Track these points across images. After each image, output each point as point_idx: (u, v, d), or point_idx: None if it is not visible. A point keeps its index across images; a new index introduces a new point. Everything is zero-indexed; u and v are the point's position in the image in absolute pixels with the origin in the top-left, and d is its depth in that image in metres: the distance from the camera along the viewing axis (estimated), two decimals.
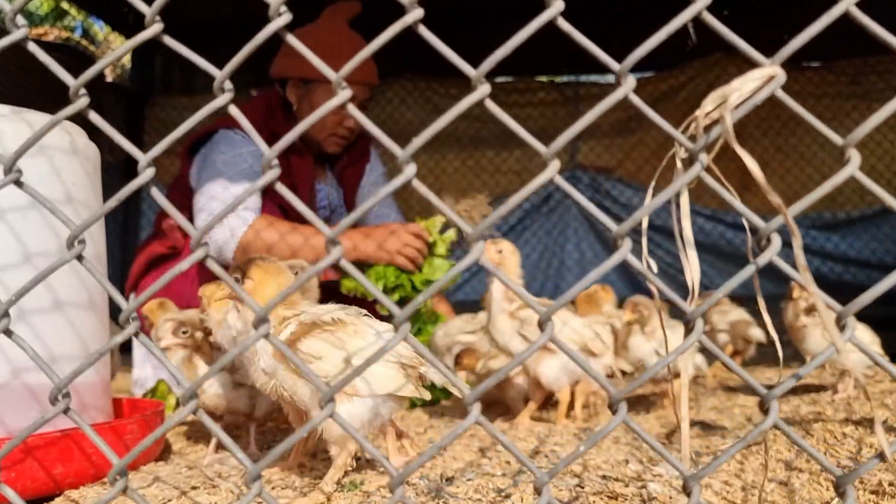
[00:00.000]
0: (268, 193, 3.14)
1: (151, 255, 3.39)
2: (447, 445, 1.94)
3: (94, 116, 0.95)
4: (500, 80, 6.28)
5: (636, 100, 0.70)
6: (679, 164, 0.68)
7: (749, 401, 2.76)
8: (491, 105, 0.75)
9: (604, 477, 1.51)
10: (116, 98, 5.81)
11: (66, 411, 0.97)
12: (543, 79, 6.41)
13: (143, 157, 0.79)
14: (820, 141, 5.82)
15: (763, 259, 0.62)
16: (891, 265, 5.53)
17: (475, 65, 0.80)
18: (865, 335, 2.47)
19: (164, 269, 3.37)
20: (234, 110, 0.77)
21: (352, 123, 3.32)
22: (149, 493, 1.48)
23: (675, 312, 3.44)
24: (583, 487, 1.42)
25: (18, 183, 1.05)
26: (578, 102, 6.21)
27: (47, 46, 5.97)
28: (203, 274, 3.19)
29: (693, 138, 0.65)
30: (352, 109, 0.74)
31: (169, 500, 1.43)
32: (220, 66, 0.81)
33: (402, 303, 2.85)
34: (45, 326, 1.64)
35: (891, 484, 1.57)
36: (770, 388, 0.69)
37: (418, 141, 0.73)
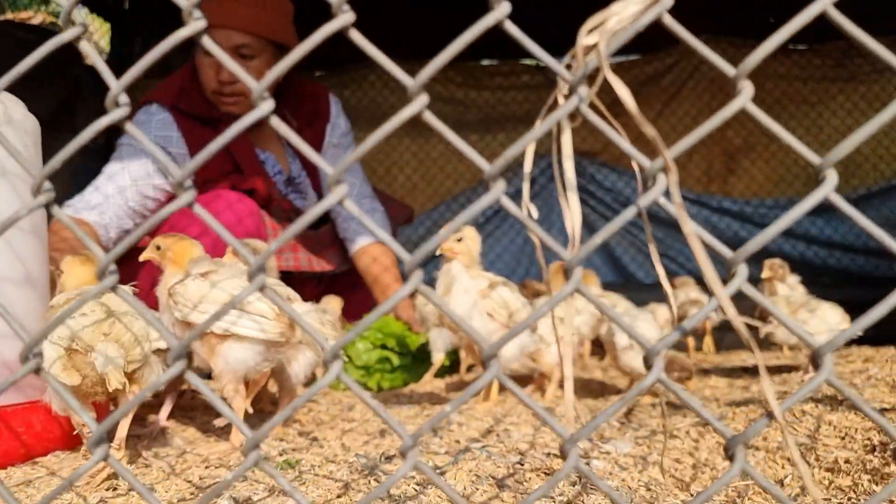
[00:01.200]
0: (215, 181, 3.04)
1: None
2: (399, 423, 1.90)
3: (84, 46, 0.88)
4: (484, 62, 6.20)
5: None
6: (560, 100, 0.63)
7: (720, 382, 2.72)
8: (430, 117, 0.69)
9: (548, 454, 1.47)
10: (95, 82, 5.72)
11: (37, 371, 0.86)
12: (528, 62, 6.34)
13: (115, 84, 0.70)
14: (805, 125, 5.75)
15: (645, 200, 0.57)
16: (874, 249, 5.48)
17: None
18: (835, 314, 2.43)
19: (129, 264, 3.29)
20: (130, 127, 0.71)
21: (225, 76, 2.96)
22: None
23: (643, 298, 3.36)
24: (522, 465, 1.38)
25: None
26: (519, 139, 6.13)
27: (31, 30, 5.89)
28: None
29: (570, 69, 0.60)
30: (215, 50, 0.68)
31: (95, 477, 1.38)
32: None
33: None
34: None
35: (846, 461, 1.53)
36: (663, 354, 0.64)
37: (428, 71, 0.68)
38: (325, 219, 3.53)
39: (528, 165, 0.67)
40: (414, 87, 0.66)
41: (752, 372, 2.89)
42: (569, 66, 0.62)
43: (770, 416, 0.62)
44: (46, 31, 6.32)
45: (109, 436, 1.55)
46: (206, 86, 3.04)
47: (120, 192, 2.95)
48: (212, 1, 2.84)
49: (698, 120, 5.62)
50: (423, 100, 0.66)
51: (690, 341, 3.34)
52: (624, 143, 0.60)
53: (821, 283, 3.85)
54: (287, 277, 3.01)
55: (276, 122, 0.69)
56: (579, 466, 0.60)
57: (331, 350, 0.68)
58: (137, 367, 1.44)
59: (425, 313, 2.60)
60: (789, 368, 2.78)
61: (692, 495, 1.37)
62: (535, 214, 0.64)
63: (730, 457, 0.62)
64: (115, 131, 5.43)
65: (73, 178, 5.00)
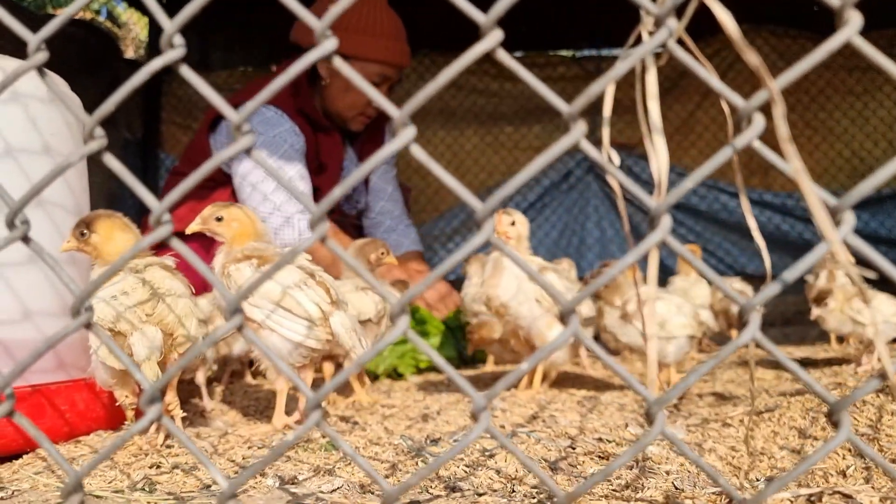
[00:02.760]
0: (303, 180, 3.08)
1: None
2: (440, 409, 1.86)
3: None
4: (518, 54, 6.14)
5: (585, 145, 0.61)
6: (645, 36, 0.59)
7: (767, 374, 2.64)
8: (416, 150, 0.65)
9: (599, 439, 1.42)
10: (133, 74, 5.78)
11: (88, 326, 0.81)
12: (564, 53, 6.25)
13: (89, 121, 0.69)
14: (850, 115, 5.59)
15: (742, 140, 0.52)
16: None
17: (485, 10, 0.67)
18: (890, 305, 2.34)
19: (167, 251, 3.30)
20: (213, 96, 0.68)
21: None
22: (120, 451, 1.42)
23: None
24: (574, 448, 1.33)
25: None
26: (599, 77, 6.05)
27: (73, 23, 5.96)
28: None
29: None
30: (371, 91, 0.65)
31: (138, 456, 1.37)
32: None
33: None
34: (20, 280, 1.58)
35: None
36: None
37: (415, 102, 0.64)
38: (353, 205, 3.60)
39: (607, 109, 0.63)
40: (399, 120, 0.63)
41: (798, 363, 2.80)
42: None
43: (882, 376, 0.57)
44: (88, 26, 6.40)
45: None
46: (350, 106, 3.24)
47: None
48: (366, 34, 3.10)
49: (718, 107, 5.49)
50: (408, 133, 0.63)
51: (734, 332, 3.25)
52: (714, 81, 0.55)
53: (866, 279, 3.73)
54: None
55: (417, 151, 0.66)
56: (665, 431, 0.55)
57: (398, 304, 0.64)
58: (182, 347, 1.43)
59: (475, 308, 2.54)
60: (840, 361, 2.69)
61: (751, 483, 1.31)
62: (617, 160, 0.60)
63: (834, 423, 0.57)
64: (153, 125, 5.45)
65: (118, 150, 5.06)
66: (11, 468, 1.37)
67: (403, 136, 0.65)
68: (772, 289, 0.53)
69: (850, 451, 1.54)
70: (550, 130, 5.97)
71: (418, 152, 0.66)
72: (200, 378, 2.01)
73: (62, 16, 0.72)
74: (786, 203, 5.69)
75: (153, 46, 6.07)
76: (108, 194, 4.75)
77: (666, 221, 0.54)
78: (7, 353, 1.56)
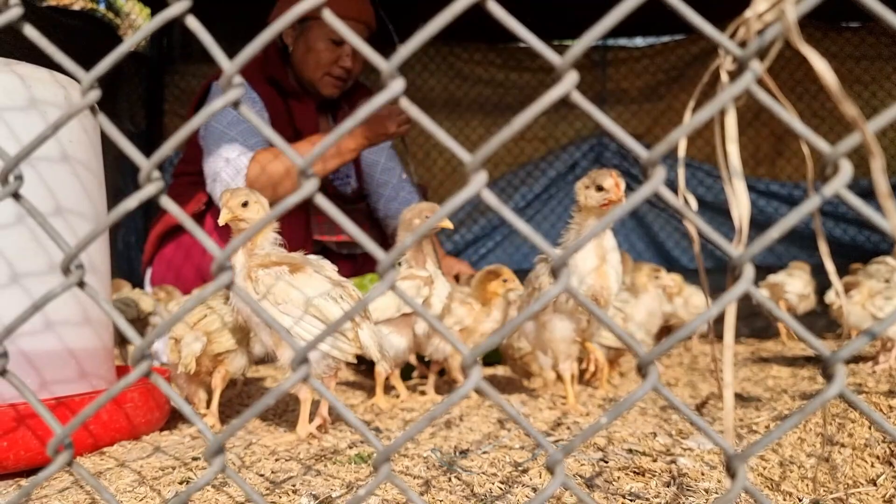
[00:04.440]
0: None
1: (167, 227, 3.33)
2: (462, 415, 1.85)
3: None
4: (524, 45, 6.08)
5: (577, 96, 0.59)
6: (724, 77, 0.57)
7: (783, 371, 2.63)
8: (405, 102, 0.63)
9: (630, 451, 1.41)
10: (136, 67, 5.73)
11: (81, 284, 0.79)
12: (569, 43, 6.21)
13: (146, 164, 0.67)
14: (858, 105, 5.55)
15: (830, 189, 0.51)
16: None
17: None
18: None
19: (180, 240, 3.30)
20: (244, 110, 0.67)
21: (347, 63, 3.28)
22: (147, 464, 1.41)
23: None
24: (606, 462, 1.32)
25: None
26: (606, 67, 6.00)
27: (73, 15, 5.90)
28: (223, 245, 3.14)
29: (743, 45, 0.53)
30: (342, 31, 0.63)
31: (166, 470, 1.36)
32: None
33: None
34: (40, 290, 1.56)
35: None
36: (834, 353, 0.58)
37: (404, 51, 0.62)
38: (361, 196, 3.61)
39: (682, 150, 0.61)
40: (387, 72, 0.61)
41: (815, 361, 2.79)
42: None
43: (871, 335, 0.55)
44: (87, 17, 6.34)
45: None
46: (314, 67, 3.28)
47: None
48: None
49: (750, 105, 5.44)
50: (396, 86, 0.61)
51: (783, 327, 3.23)
52: (796, 124, 0.54)
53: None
54: (324, 254, 3.11)
55: (406, 104, 0.63)
56: (747, 486, 0.54)
57: (470, 356, 0.63)
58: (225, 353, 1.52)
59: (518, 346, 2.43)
60: (856, 360, 2.68)
61: (784, 496, 1.30)
62: (694, 205, 0.58)
63: (828, 377, 0.56)
64: (156, 117, 5.38)
65: (119, 161, 5.02)
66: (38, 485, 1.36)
67: (392, 88, 0.63)
68: (765, 239, 0.52)
69: (878, 458, 1.54)
70: (556, 121, 5.93)
71: (406, 103, 0.64)
72: (217, 380, 1.99)
73: (115, 53, 0.70)
74: (793, 193, 5.67)
75: (156, 37, 6.02)
76: (113, 189, 4.73)
77: (749, 272, 0.53)
78: (29, 363, 1.55)
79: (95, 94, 0.72)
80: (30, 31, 0.75)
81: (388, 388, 2.27)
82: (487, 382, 0.66)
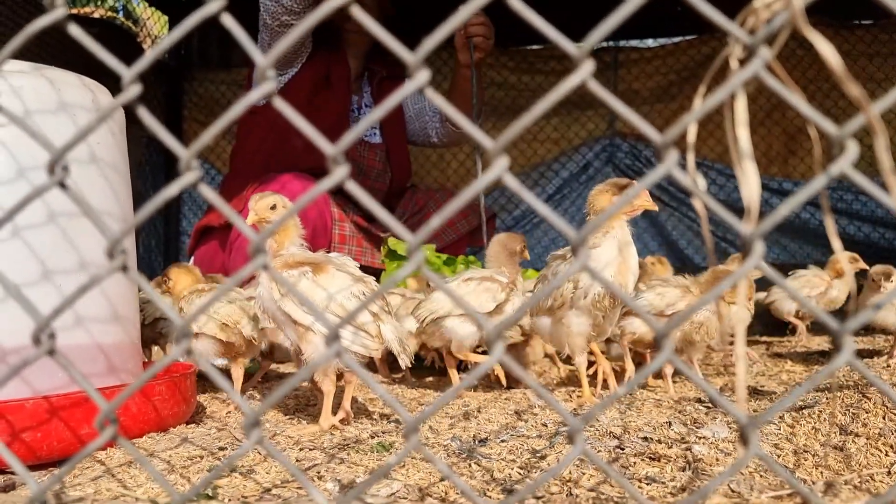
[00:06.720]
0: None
1: (201, 228, 3.41)
2: (480, 406, 1.88)
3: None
4: (534, 47, 6.12)
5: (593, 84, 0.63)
6: (734, 64, 0.60)
7: (796, 367, 2.65)
8: (430, 92, 0.67)
9: (645, 439, 1.44)
10: (155, 74, 5.81)
11: (124, 268, 0.85)
12: (579, 45, 6.23)
13: (185, 154, 0.71)
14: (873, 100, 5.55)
15: (836, 168, 0.54)
16: None
17: None
18: None
19: (211, 242, 3.38)
20: (278, 102, 0.70)
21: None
22: (175, 453, 1.45)
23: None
24: (623, 449, 1.35)
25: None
26: (617, 68, 6.02)
27: (93, 23, 5.99)
28: (241, 249, 3.19)
29: (752, 34, 0.57)
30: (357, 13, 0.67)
31: (194, 459, 1.40)
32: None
33: None
34: (69, 287, 1.61)
35: None
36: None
37: (430, 43, 0.66)
38: (390, 208, 3.65)
39: (691, 135, 0.64)
40: (414, 63, 0.64)
41: (829, 356, 2.81)
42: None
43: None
44: (108, 24, 6.43)
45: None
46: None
47: None
48: None
49: (758, 101, 5.45)
50: (422, 76, 0.65)
51: (799, 323, 3.24)
52: (804, 108, 0.57)
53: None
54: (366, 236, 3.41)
55: (431, 94, 0.67)
56: (760, 452, 0.57)
57: (494, 331, 0.66)
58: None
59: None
60: (870, 353, 2.69)
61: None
62: (703, 185, 0.61)
63: (837, 346, 0.58)
64: (176, 123, 5.46)
65: (139, 169, 5.10)
66: (71, 473, 1.41)
67: (418, 79, 0.66)
68: (776, 216, 0.55)
69: (892, 447, 1.56)
70: (569, 122, 5.96)
71: (431, 93, 0.68)
72: (238, 372, 2.04)
73: (156, 49, 0.74)
74: None
75: (174, 45, 6.10)
76: (133, 192, 4.81)
77: (759, 248, 0.56)
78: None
79: (137, 89, 0.76)
80: (74, 31, 0.79)
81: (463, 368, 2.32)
82: (510, 357, 0.70)
